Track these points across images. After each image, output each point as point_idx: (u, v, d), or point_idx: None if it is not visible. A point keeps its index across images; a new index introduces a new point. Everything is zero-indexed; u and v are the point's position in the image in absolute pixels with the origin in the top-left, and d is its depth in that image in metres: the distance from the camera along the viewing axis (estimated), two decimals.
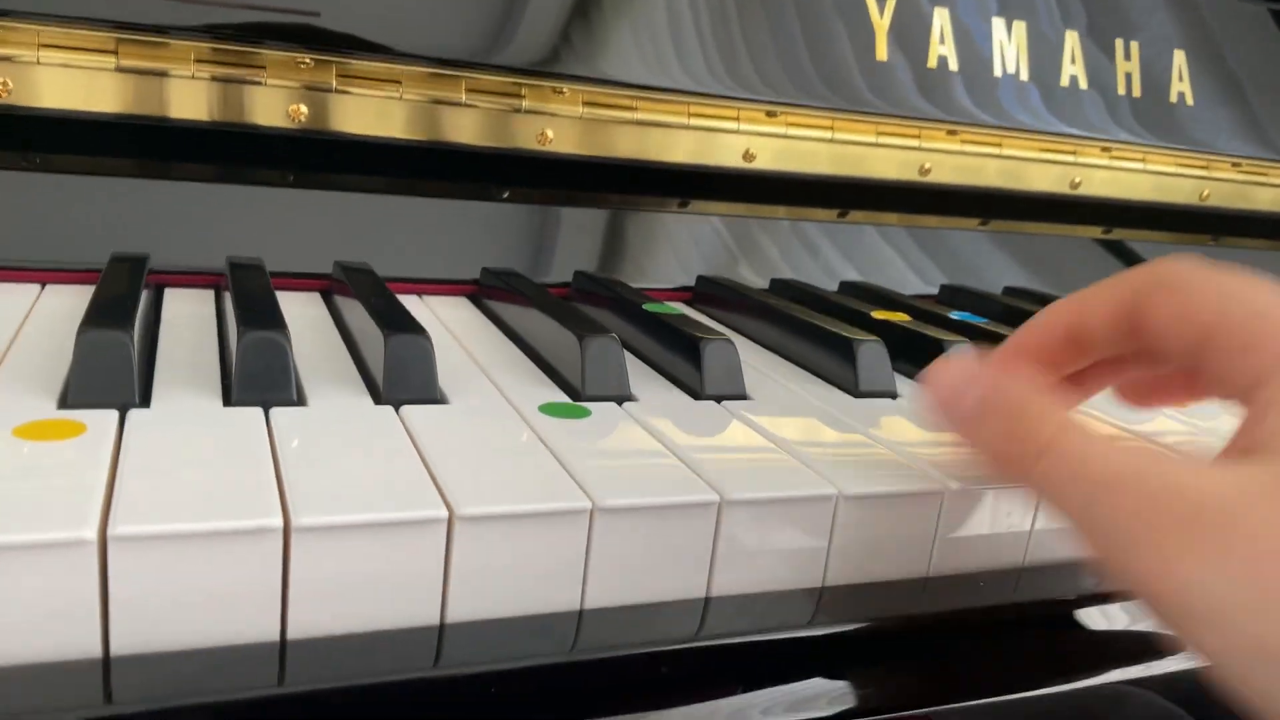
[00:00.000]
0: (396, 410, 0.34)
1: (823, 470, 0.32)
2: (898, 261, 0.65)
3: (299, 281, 0.49)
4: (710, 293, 0.55)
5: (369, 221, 0.52)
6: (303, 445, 0.29)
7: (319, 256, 0.50)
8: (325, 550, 0.25)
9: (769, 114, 0.55)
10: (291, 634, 0.26)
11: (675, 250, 0.59)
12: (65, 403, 0.31)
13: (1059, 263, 0.73)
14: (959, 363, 0.31)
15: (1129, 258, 0.75)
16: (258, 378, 0.33)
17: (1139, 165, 0.68)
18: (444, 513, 0.26)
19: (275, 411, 0.32)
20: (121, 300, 0.36)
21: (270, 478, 0.27)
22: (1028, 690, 0.32)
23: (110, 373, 0.31)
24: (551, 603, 0.28)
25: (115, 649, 0.24)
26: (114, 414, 0.30)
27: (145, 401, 0.32)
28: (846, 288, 0.60)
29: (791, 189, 0.61)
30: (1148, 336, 0.31)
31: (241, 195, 0.50)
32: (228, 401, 0.33)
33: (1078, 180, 0.66)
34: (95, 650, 0.24)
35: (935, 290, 0.64)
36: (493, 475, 0.29)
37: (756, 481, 0.31)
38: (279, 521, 0.25)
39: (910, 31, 0.59)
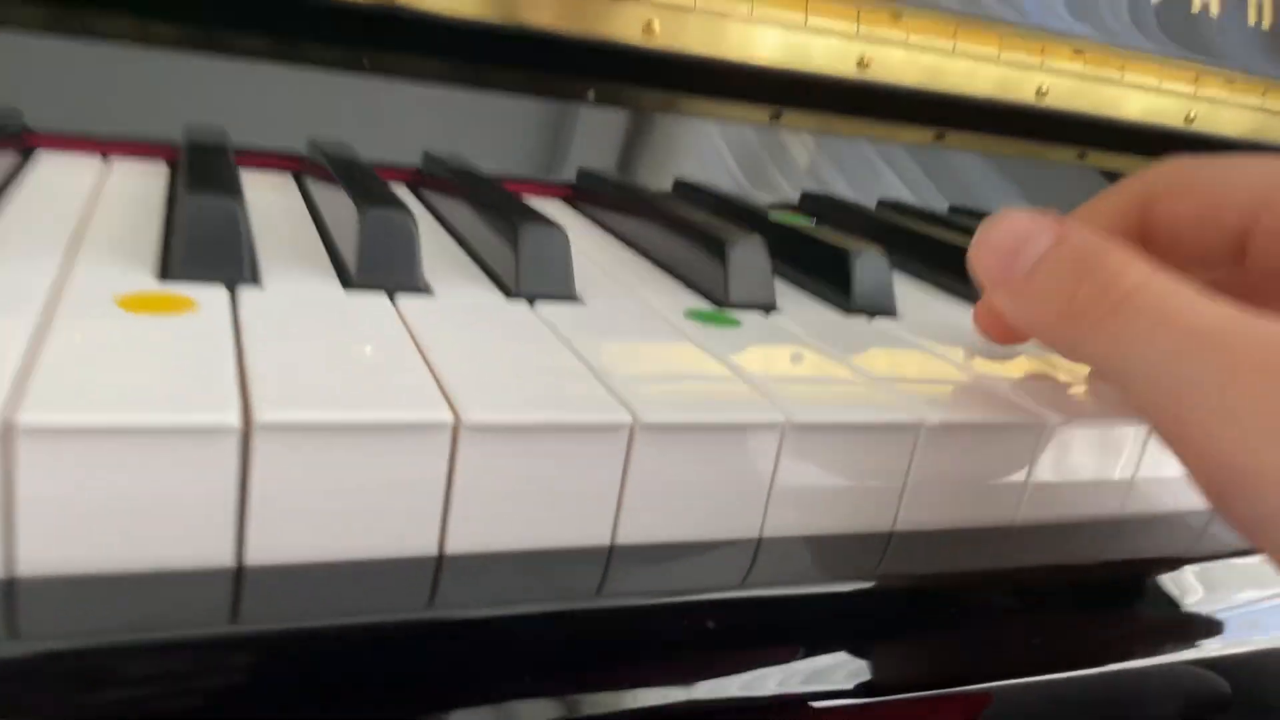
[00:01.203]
0: (531, 305, 0.30)
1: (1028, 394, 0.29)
2: (996, 188, 0.61)
3: (389, 172, 0.45)
4: (816, 210, 0.51)
5: (452, 113, 0.48)
6: (446, 341, 0.25)
7: (402, 146, 0.45)
8: (497, 452, 0.22)
9: (894, 15, 0.51)
10: (450, 549, 0.22)
11: (774, 163, 0.54)
12: (166, 274, 0.27)
13: None
14: (1019, 216, 0.26)
15: None
16: (379, 258, 0.29)
17: (1258, 102, 0.64)
18: (627, 418, 0.23)
19: (400, 298, 0.28)
20: (220, 167, 0.32)
21: (423, 370, 0.23)
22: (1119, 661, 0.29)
23: (218, 244, 0.27)
24: (734, 529, 0.25)
25: (250, 558, 0.20)
26: (223, 291, 0.26)
27: (255, 279, 0.28)
28: (956, 211, 0.56)
29: (896, 102, 0.56)
30: (1166, 246, 0.27)
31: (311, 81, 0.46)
32: (347, 284, 0.29)
33: (1193, 114, 0.62)
34: (229, 559, 0.20)
35: None
36: (664, 381, 0.25)
37: (955, 406, 0.27)
38: (449, 417, 0.21)
39: None
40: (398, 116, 0.48)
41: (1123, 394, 0.24)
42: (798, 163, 0.56)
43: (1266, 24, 0.62)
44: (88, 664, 0.18)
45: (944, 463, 0.27)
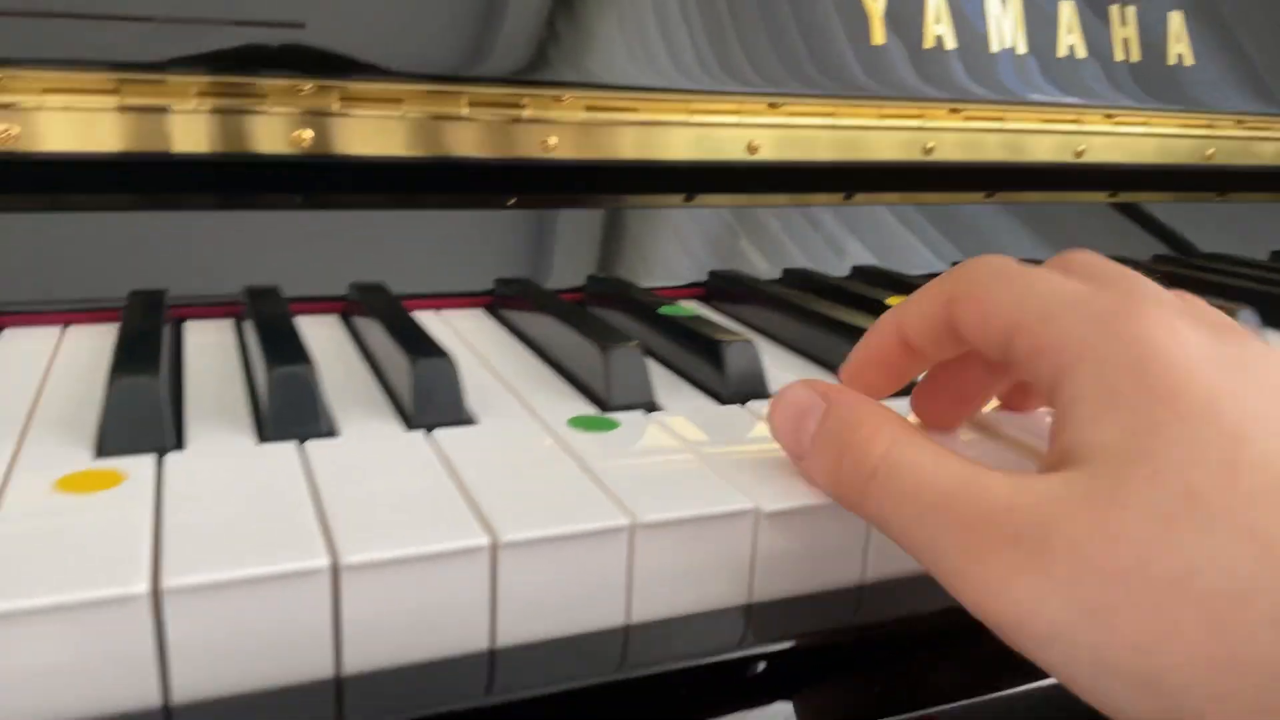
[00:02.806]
0: (428, 434, 0.34)
1: None
2: (908, 240, 0.65)
3: (317, 305, 0.49)
4: (723, 288, 0.56)
5: (382, 240, 0.52)
6: (339, 480, 0.30)
7: (334, 278, 0.50)
8: (374, 586, 0.26)
9: (771, 105, 0.55)
10: (347, 670, 0.26)
11: (685, 246, 0.59)
12: (101, 451, 0.31)
13: (1068, 229, 0.72)
14: (795, 390, 0.30)
15: (1135, 219, 0.75)
16: (288, 413, 0.33)
17: (1141, 129, 0.68)
18: (486, 540, 0.27)
19: (310, 445, 0.32)
20: (145, 341, 0.36)
21: (313, 517, 0.27)
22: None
23: (143, 419, 0.31)
24: (596, 621, 0.29)
25: (176, 698, 0.25)
26: (151, 459, 0.31)
27: (180, 444, 0.32)
28: (859, 273, 0.60)
29: (797, 176, 0.61)
30: (965, 342, 0.30)
31: (253, 222, 0.50)
32: (261, 438, 0.33)
33: (1081, 148, 0.66)
34: (155, 700, 0.25)
35: (946, 266, 0.64)
36: (530, 497, 0.29)
37: (791, 490, 0.31)
38: (326, 562, 0.25)
39: (905, 13, 0.59)
40: (331, 251, 0.52)
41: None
42: (713, 240, 0.60)
43: (1135, 58, 0.66)
44: None
45: (785, 541, 0.31)
